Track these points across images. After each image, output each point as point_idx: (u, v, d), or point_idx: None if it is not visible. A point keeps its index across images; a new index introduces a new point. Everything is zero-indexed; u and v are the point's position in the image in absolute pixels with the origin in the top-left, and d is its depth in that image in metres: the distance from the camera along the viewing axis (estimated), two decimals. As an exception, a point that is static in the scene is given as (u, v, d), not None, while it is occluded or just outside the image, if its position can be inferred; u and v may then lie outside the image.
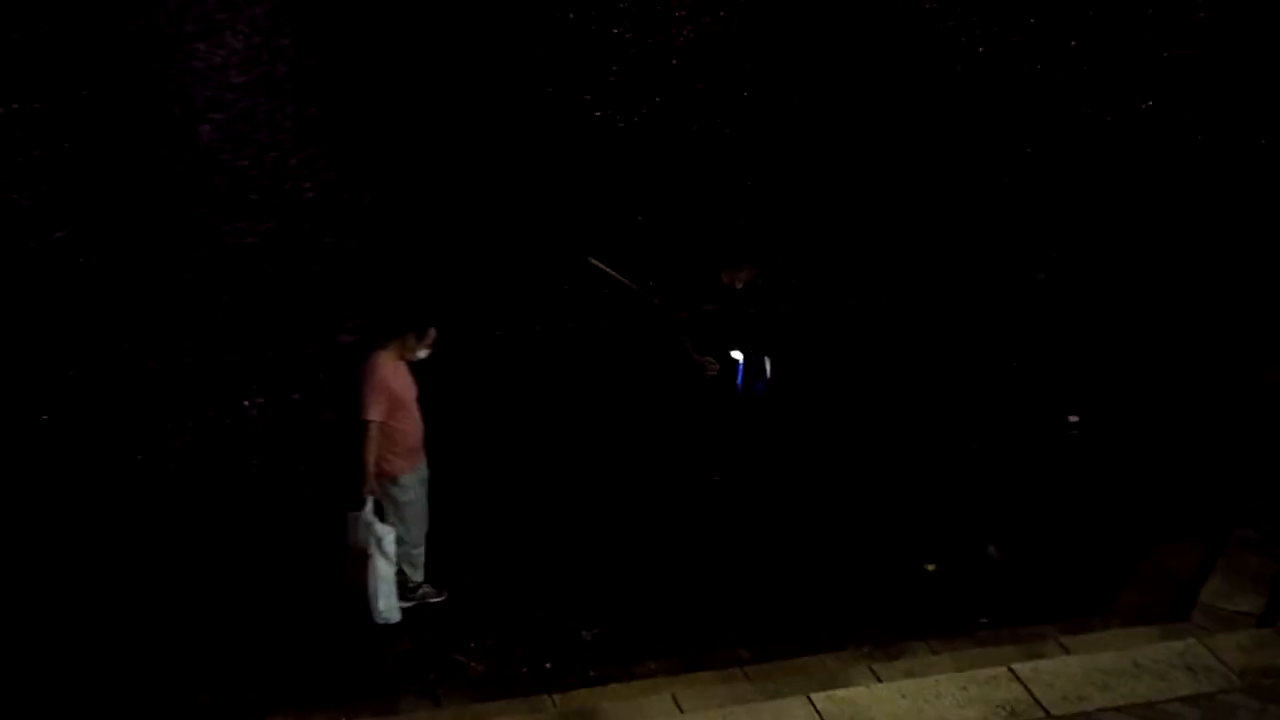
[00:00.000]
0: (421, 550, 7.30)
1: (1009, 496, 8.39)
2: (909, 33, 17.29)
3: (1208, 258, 11.32)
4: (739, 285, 8.13)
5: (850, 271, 11.23)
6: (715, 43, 16.91)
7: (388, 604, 7.02)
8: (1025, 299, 10.70)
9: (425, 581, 7.36)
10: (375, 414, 6.79)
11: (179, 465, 8.65)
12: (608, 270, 9.17)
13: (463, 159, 13.12)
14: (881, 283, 11.04)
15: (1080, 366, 9.66)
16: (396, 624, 7.10)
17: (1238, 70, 15.97)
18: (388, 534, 6.91)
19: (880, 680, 6.53)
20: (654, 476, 8.49)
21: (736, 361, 8.17)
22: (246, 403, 9.27)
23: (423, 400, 7.10)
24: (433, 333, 7.00)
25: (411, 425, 6.98)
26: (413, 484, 7.09)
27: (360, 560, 6.89)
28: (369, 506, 6.88)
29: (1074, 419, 8.79)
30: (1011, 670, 6.39)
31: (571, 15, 17.48)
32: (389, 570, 6.95)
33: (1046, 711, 6.10)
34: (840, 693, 6.26)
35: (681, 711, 6.31)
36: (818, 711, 6.07)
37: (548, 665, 7.05)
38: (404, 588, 7.28)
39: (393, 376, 6.88)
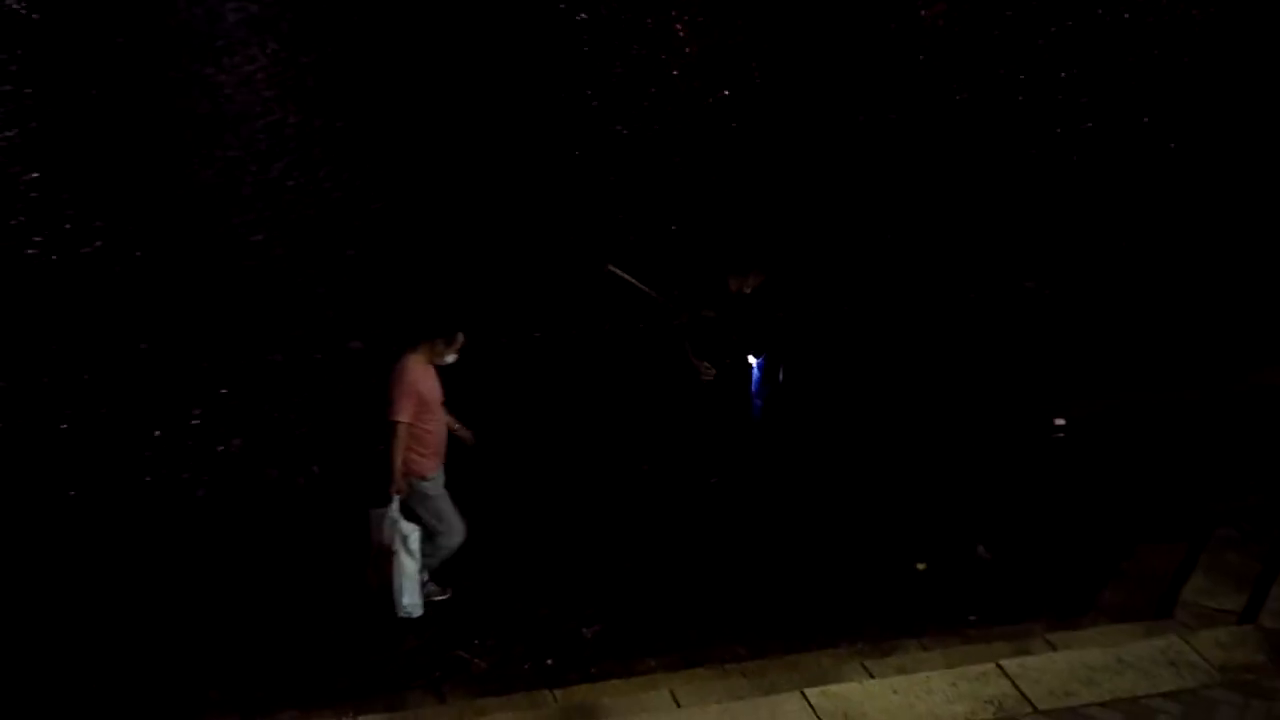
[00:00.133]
0: (455, 547, 7.40)
1: (998, 498, 8.45)
2: (909, 49, 17.43)
3: (1189, 262, 11.39)
4: (747, 291, 8.20)
5: (844, 278, 11.30)
6: (724, 56, 17.03)
7: (411, 600, 7.15)
8: (1013, 306, 10.78)
9: (430, 580, 7.47)
10: (404, 415, 6.92)
11: (188, 466, 8.74)
12: (627, 278, 9.13)
13: (485, 173, 13.22)
14: (874, 289, 11.11)
15: (1066, 371, 9.70)
16: (417, 619, 7.22)
17: (1227, 71, 16.06)
18: (413, 532, 7.04)
19: (873, 676, 6.55)
20: (653, 479, 8.58)
21: (750, 365, 8.24)
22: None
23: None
24: (460, 338, 7.13)
25: (438, 427, 7.12)
26: (438, 482, 7.22)
27: (385, 557, 7.00)
28: (395, 505, 7.00)
29: (1060, 423, 8.86)
30: (1000, 667, 6.36)
31: (589, 30, 17.65)
32: (413, 567, 7.07)
33: (1034, 707, 6.08)
34: (834, 688, 6.24)
35: (679, 707, 6.32)
36: (812, 707, 6.05)
37: (549, 662, 7.15)
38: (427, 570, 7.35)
39: (422, 380, 7.01)
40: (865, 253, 11.82)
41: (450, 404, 7.31)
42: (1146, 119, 14.69)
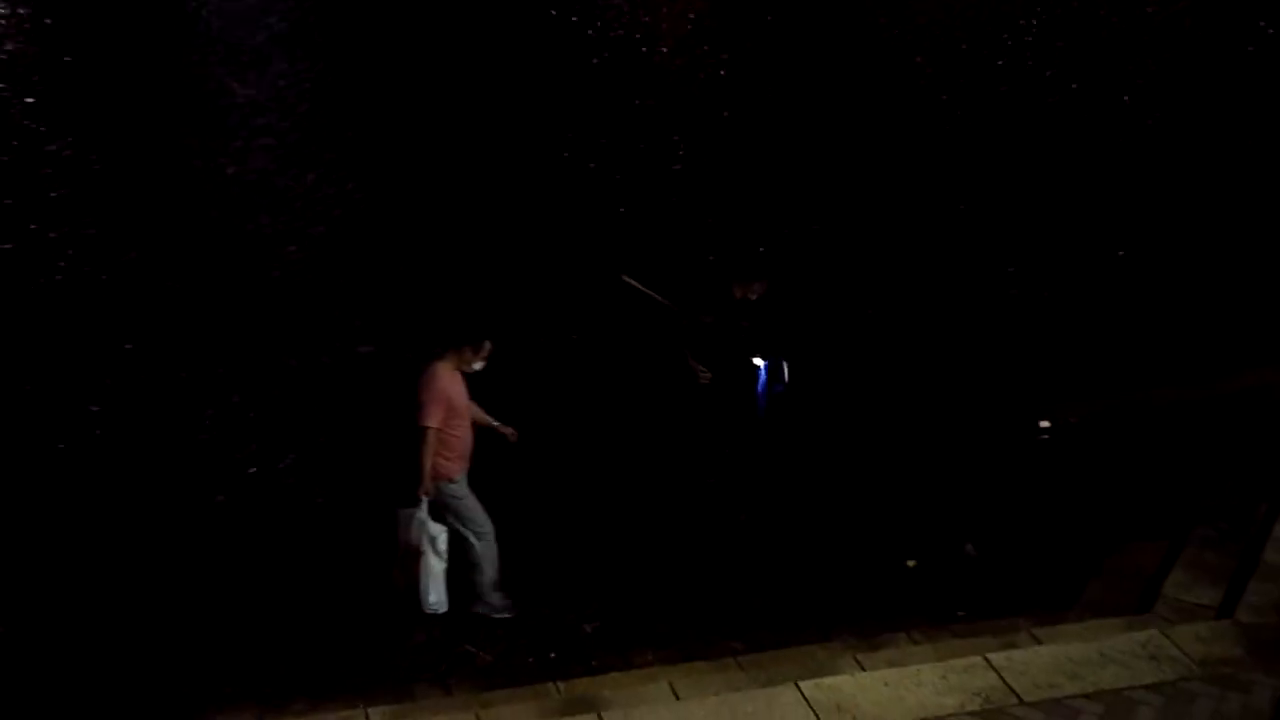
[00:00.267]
0: (493, 543, 7.49)
1: (985, 498, 8.57)
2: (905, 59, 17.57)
3: (1175, 263, 11.53)
4: (752, 299, 8.31)
5: (838, 283, 11.41)
6: (730, 65, 17.17)
7: (438, 597, 7.29)
8: (1002, 309, 10.91)
9: (498, 590, 7.55)
10: (434, 421, 7.04)
11: (200, 463, 8.85)
12: (641, 287, 9.18)
13: (501, 181, 13.39)
14: (867, 292, 11.23)
15: (1053, 374, 9.83)
16: (440, 615, 7.34)
17: (1227, 71, 16.21)
18: (441, 533, 7.18)
19: (864, 669, 6.62)
20: (653, 479, 8.68)
21: (756, 368, 8.35)
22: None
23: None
24: (488, 346, 7.25)
25: (465, 431, 7.25)
26: (463, 484, 7.37)
27: (413, 556, 7.14)
28: (424, 506, 7.14)
29: (1045, 425, 9.01)
30: (987, 659, 6.43)
31: (601, 40, 17.80)
32: (440, 566, 7.21)
33: (1019, 698, 6.15)
34: (827, 681, 6.31)
35: (678, 699, 6.36)
36: (806, 699, 6.13)
37: (552, 656, 7.26)
38: (485, 586, 7.49)
39: (450, 386, 7.14)
40: (865, 253, 11.95)
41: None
42: (1146, 119, 14.84)
